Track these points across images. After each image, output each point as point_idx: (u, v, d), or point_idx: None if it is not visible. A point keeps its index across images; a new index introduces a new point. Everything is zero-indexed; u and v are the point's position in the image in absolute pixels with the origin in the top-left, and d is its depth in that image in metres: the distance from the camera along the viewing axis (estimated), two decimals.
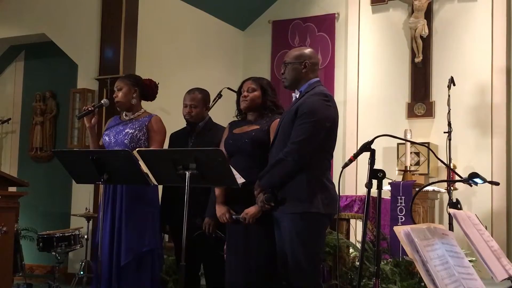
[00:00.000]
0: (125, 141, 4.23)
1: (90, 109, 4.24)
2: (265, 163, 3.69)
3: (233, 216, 3.80)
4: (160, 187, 4.35)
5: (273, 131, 3.74)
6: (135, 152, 3.67)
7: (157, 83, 4.50)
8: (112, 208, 4.15)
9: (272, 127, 3.78)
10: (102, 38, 7.17)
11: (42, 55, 8.28)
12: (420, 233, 2.06)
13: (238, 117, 4.02)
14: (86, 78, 7.28)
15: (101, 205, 4.08)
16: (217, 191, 3.92)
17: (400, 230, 2.01)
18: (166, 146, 4.49)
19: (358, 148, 2.80)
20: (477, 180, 2.62)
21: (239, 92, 3.96)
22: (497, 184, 2.93)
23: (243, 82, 3.96)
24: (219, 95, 5.62)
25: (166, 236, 5.73)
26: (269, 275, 3.64)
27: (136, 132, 4.26)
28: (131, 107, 4.35)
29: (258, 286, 3.65)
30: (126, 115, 4.38)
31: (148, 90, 4.44)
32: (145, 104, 4.52)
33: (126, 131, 4.26)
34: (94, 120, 4.29)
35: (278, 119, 3.77)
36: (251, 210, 3.66)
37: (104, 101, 4.37)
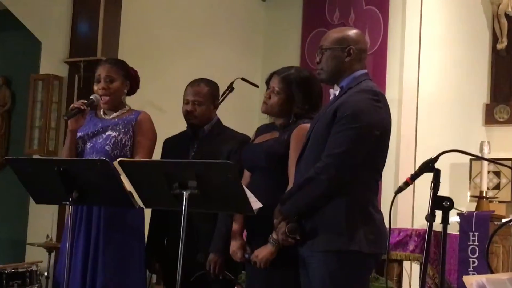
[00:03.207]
0: (107, 147, 4.26)
1: (82, 107, 4.27)
2: (286, 183, 3.72)
3: (246, 255, 3.83)
4: (148, 211, 4.37)
5: (296, 141, 3.77)
6: (116, 162, 3.70)
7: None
8: (85, 238, 4.18)
9: (294, 136, 3.81)
10: (75, 9, 7.19)
11: None
12: (499, 285, 2.06)
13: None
14: (52, 60, 7.32)
15: (67, 233, 4.10)
16: (236, 218, 3.97)
17: (473, 281, 2.01)
18: (157, 155, 4.51)
19: (418, 167, 2.81)
20: None
21: (267, 87, 4.01)
22: None
23: (272, 74, 4.00)
24: (231, 88, 5.64)
25: (154, 277, 5.76)
26: None
27: (121, 135, 4.29)
28: (119, 105, 4.40)
29: None
30: (105, 113, 4.41)
31: (134, 83, 4.48)
32: (129, 99, 4.56)
33: (107, 133, 4.30)
34: (82, 121, 4.33)
35: (305, 125, 3.81)
36: (263, 251, 3.69)
37: (95, 97, 4.38)
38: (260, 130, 4.09)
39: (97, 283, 4.13)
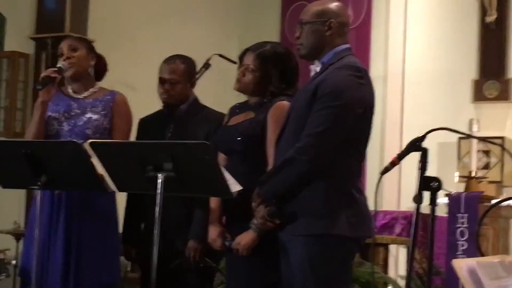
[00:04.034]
0: (87, 130, 4.24)
1: (53, 75, 4.21)
2: (265, 166, 3.73)
3: (226, 242, 3.83)
4: (124, 196, 4.37)
5: (274, 121, 3.77)
6: (87, 144, 3.68)
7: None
8: (66, 226, 4.15)
9: (272, 115, 3.81)
10: None
11: None
12: (490, 269, 2.08)
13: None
14: (18, 36, 7.29)
15: (35, 219, 4.07)
16: (213, 203, 3.96)
17: (462, 265, 2.03)
18: (132, 137, 4.50)
19: (404, 147, 2.81)
20: None
21: (241, 63, 3.99)
22: None
23: (246, 51, 3.98)
24: (207, 65, 5.62)
25: (129, 265, 5.76)
26: None
27: (102, 118, 4.27)
28: (86, 78, 4.37)
29: None
30: (75, 91, 4.37)
31: (99, 65, 4.44)
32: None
33: (88, 116, 4.27)
34: (54, 91, 4.27)
35: (282, 103, 3.81)
36: (244, 238, 3.69)
37: (62, 64, 4.30)
38: (233, 111, 4.07)
39: (81, 276, 4.13)
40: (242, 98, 4.09)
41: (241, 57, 4.00)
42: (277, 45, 4.08)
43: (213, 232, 3.93)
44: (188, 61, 4.49)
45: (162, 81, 4.42)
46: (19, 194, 6.86)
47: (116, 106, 4.31)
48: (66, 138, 4.20)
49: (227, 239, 3.85)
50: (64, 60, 4.28)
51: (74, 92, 4.37)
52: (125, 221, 4.51)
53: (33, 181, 3.79)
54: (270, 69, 3.88)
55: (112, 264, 4.22)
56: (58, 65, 4.29)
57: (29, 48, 7.23)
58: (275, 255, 3.62)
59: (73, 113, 4.29)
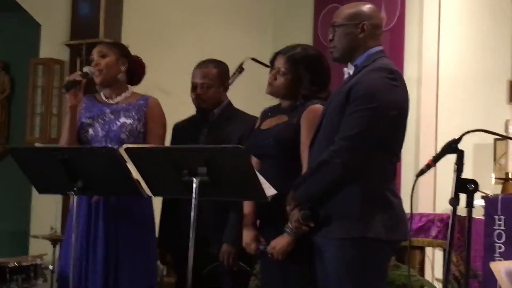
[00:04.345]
0: (122, 135, 4.27)
1: (77, 78, 4.25)
2: (298, 170, 3.73)
3: (261, 247, 3.83)
4: (157, 200, 4.39)
5: (308, 124, 3.78)
6: (122, 150, 3.71)
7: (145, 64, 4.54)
8: (105, 231, 4.18)
9: (305, 118, 3.81)
10: None
11: None
12: None
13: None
14: (53, 43, 7.35)
15: (71, 223, 4.10)
16: (246, 208, 3.97)
17: (500, 267, 2.01)
18: (167, 141, 4.52)
19: (440, 149, 2.80)
20: None
21: (272, 67, 4.00)
22: None
23: (277, 54, 3.99)
24: (240, 69, 5.64)
25: (164, 269, 5.78)
26: None
27: (136, 122, 4.30)
28: (116, 84, 4.39)
29: None
30: (107, 97, 4.40)
31: (136, 68, 4.47)
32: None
33: (122, 121, 4.30)
34: (81, 95, 4.30)
35: (315, 106, 3.81)
36: (280, 242, 3.69)
37: (88, 68, 4.35)
38: (265, 114, 4.08)
39: (120, 281, 4.16)
40: (275, 101, 4.09)
41: (272, 61, 4.00)
42: (308, 48, 4.08)
43: (247, 236, 3.95)
44: (220, 65, 4.50)
45: (194, 85, 4.44)
46: (56, 200, 6.91)
47: (149, 111, 4.33)
48: (101, 143, 4.24)
49: (262, 243, 3.86)
50: (94, 66, 4.32)
51: (107, 97, 4.40)
52: (160, 225, 4.54)
53: (69, 186, 3.82)
54: (301, 72, 3.88)
55: (149, 269, 4.24)
56: (84, 69, 4.34)
57: (64, 54, 7.29)
58: (310, 259, 3.62)
59: (107, 118, 4.32)
